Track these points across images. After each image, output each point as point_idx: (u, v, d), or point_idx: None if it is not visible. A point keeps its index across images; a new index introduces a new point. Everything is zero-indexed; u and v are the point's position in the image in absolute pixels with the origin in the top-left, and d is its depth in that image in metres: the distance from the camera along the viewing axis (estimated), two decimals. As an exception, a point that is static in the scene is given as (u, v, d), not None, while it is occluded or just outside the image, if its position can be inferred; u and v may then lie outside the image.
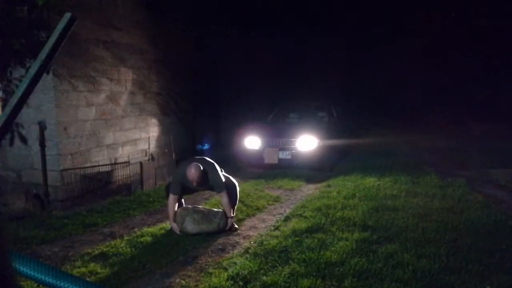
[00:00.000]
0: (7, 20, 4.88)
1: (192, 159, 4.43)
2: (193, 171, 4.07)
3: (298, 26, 13.57)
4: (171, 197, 4.26)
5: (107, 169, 6.30)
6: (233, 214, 4.40)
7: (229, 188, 4.38)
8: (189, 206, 4.44)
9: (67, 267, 3.41)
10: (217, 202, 5.23)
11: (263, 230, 4.34)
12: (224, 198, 4.26)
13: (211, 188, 4.40)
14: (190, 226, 4.15)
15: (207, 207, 5.09)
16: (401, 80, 15.05)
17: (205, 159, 4.41)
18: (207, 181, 4.25)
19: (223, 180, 4.31)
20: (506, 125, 10.99)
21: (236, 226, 4.41)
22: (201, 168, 4.12)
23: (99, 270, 3.32)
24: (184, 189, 4.34)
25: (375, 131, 12.80)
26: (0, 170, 5.64)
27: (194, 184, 4.17)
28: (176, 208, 4.29)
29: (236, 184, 4.57)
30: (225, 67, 10.18)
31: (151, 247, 3.82)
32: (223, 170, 4.57)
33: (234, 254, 3.63)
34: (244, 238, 4.13)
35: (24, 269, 0.61)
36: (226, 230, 4.25)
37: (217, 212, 4.31)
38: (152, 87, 7.69)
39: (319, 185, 6.66)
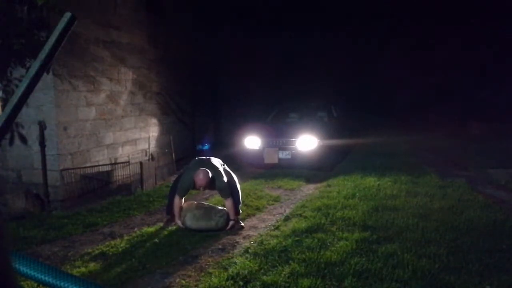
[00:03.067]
0: (7, 20, 4.88)
1: (199, 162, 4.51)
2: (201, 178, 4.18)
3: (299, 26, 13.57)
4: (177, 198, 4.34)
5: (107, 169, 6.30)
6: (239, 212, 4.49)
7: (233, 189, 4.44)
8: (194, 202, 4.52)
9: (67, 267, 3.41)
10: (217, 202, 5.23)
11: (263, 230, 4.33)
12: (228, 202, 4.33)
13: (223, 219, 4.39)
14: (190, 221, 4.24)
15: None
16: (401, 80, 15.05)
17: (211, 162, 4.47)
18: (213, 186, 4.34)
19: (227, 183, 4.35)
20: (506, 125, 10.99)
21: (242, 224, 4.43)
22: (210, 175, 4.22)
23: (99, 270, 3.32)
24: (193, 221, 4.40)
25: (375, 131, 12.80)
26: (0, 170, 5.64)
27: (201, 189, 4.33)
28: (181, 204, 4.39)
29: (237, 181, 4.62)
30: (225, 67, 10.18)
31: (151, 247, 3.82)
32: (225, 164, 4.66)
33: (234, 254, 3.62)
34: (244, 238, 4.12)
35: (24, 269, 0.61)
36: (227, 229, 4.28)
37: (219, 210, 4.35)
38: (152, 87, 7.69)
39: (319, 185, 6.66)
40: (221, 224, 4.24)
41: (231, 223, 4.31)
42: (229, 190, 4.34)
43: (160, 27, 7.80)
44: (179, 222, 4.30)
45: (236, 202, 4.42)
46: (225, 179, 4.33)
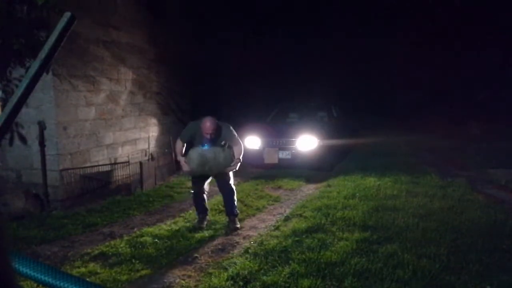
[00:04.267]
0: (7, 20, 4.88)
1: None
2: (208, 125, 4.16)
3: (298, 26, 13.57)
4: (179, 142, 4.37)
5: (107, 169, 6.30)
6: (237, 213, 4.48)
7: (229, 189, 4.42)
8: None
9: (66, 267, 3.40)
10: (216, 202, 5.22)
11: (263, 230, 4.33)
12: (237, 146, 4.30)
13: (226, 160, 4.26)
14: (196, 161, 4.17)
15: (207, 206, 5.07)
16: (402, 80, 15.05)
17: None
18: (219, 136, 4.27)
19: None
20: (506, 125, 10.99)
21: (238, 225, 4.41)
22: (217, 122, 4.23)
23: (99, 270, 3.31)
24: (193, 142, 4.31)
25: (375, 131, 12.80)
26: (0, 170, 5.64)
27: (207, 135, 4.17)
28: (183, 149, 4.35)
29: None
30: (225, 67, 10.18)
31: (151, 247, 3.81)
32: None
33: (234, 254, 3.63)
34: (244, 238, 4.12)
35: (24, 269, 0.60)
36: (232, 166, 4.26)
37: (223, 148, 4.28)
38: (152, 87, 7.69)
39: (319, 185, 6.66)
40: (227, 162, 4.21)
41: (237, 162, 4.29)
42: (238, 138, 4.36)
43: (160, 27, 7.79)
44: (182, 159, 4.26)
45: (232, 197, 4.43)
46: (231, 128, 4.36)
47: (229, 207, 4.43)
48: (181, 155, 4.33)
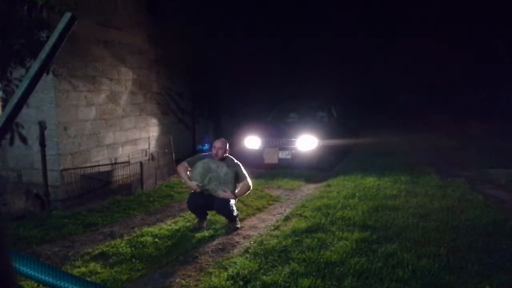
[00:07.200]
0: (7, 20, 4.88)
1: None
2: (219, 145, 4.35)
3: (299, 26, 13.57)
4: (185, 163, 4.45)
5: (107, 169, 6.30)
6: (236, 215, 4.43)
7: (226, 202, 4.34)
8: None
9: (67, 267, 3.41)
10: (214, 214, 5.17)
11: (263, 230, 4.34)
12: (246, 184, 4.36)
13: (227, 176, 4.29)
14: (199, 177, 4.30)
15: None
16: (402, 80, 15.05)
17: None
18: (227, 161, 4.38)
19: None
20: (506, 125, 10.99)
21: (238, 225, 4.41)
22: (227, 146, 4.41)
23: (99, 270, 3.32)
24: (199, 172, 4.32)
25: (375, 131, 12.80)
26: (0, 170, 5.64)
27: (217, 153, 4.32)
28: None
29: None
30: (225, 67, 10.18)
31: (151, 247, 3.82)
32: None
33: (234, 254, 3.63)
34: (244, 238, 4.13)
35: (24, 269, 0.61)
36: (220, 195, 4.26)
37: (227, 165, 4.39)
38: (152, 87, 7.69)
39: (319, 185, 6.66)
40: (227, 178, 4.27)
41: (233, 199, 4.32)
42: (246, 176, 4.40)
43: (160, 27, 7.80)
44: (192, 183, 4.30)
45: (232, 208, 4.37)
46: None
47: (228, 217, 4.40)
48: (187, 178, 4.37)
